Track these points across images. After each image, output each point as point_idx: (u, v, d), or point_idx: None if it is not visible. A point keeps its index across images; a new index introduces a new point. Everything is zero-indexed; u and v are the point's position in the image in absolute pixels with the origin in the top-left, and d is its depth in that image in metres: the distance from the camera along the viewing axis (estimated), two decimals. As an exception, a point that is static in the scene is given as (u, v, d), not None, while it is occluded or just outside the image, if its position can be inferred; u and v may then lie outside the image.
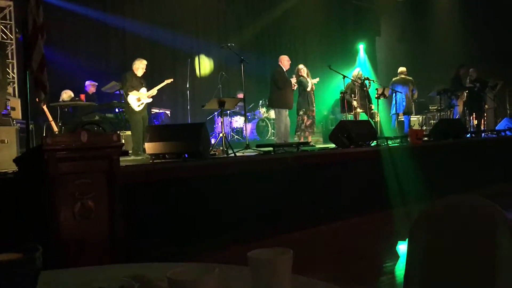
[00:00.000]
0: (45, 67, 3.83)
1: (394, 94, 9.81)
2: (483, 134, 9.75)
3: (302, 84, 8.61)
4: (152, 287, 0.96)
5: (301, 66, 8.82)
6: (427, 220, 1.39)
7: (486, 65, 12.63)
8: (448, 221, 1.33)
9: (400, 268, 3.45)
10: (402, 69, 10.74)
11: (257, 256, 0.86)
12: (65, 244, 2.76)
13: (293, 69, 8.91)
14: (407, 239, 1.40)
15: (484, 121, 11.14)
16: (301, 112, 8.63)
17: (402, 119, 10.62)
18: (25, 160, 3.22)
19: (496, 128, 10.83)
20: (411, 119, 11.19)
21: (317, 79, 8.88)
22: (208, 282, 0.74)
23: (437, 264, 1.36)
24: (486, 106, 11.50)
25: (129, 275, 0.98)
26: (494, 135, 9.63)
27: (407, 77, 10.56)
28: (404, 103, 10.18)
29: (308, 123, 8.63)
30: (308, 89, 8.55)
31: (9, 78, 7.87)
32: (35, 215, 2.91)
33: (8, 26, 8.46)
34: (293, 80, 8.45)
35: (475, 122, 10.93)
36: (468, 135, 9.02)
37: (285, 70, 8.51)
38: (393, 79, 10.66)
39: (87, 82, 8.91)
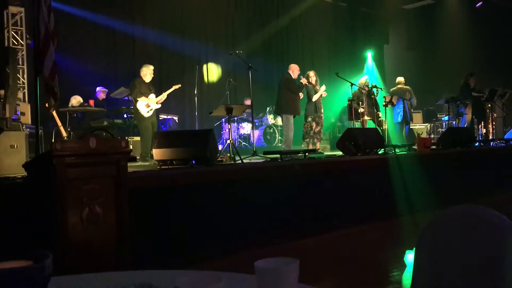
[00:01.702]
0: (56, 73, 3.87)
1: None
2: (491, 143, 9.68)
3: (309, 92, 8.62)
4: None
5: (312, 73, 8.83)
6: (435, 228, 1.39)
7: (494, 74, 12.57)
8: (456, 230, 1.33)
9: (407, 278, 3.43)
10: (400, 79, 10.78)
11: (264, 266, 0.87)
12: (72, 249, 2.77)
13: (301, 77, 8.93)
14: (414, 248, 1.40)
15: (492, 130, 11.07)
16: (309, 119, 8.62)
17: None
18: (34, 166, 3.24)
19: (505, 137, 10.75)
20: (418, 127, 11.14)
21: (324, 88, 8.77)
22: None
23: (444, 273, 1.36)
24: (495, 115, 11.42)
25: (135, 283, 0.99)
26: (502, 144, 9.57)
27: (404, 87, 10.58)
28: (402, 113, 10.16)
29: (316, 129, 8.64)
30: (314, 99, 8.55)
31: (19, 84, 7.96)
32: (43, 220, 2.92)
33: (19, 32, 8.56)
34: (303, 81, 8.48)
35: (484, 130, 10.86)
36: (476, 144, 8.96)
37: (293, 78, 8.54)
38: (391, 89, 10.66)
39: (98, 88, 8.97)
